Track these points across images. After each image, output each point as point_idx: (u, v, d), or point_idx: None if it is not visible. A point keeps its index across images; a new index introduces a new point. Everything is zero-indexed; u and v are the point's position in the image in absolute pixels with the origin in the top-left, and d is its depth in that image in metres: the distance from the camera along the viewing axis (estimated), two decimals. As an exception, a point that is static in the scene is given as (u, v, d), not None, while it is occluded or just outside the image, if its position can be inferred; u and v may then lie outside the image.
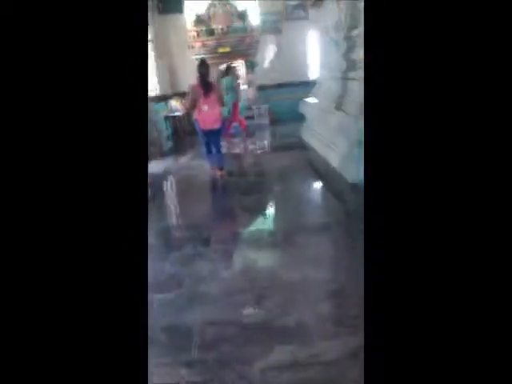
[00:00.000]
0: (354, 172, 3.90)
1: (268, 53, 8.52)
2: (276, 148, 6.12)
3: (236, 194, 4.17)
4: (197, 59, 7.85)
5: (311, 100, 6.16)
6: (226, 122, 5.59)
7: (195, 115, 4.23)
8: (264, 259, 2.62)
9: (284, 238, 2.89)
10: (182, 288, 2.33)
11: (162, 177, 4.93)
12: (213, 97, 4.12)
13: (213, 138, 4.35)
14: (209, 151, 4.51)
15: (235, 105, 6.57)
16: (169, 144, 6.45)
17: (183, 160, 5.68)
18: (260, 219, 3.45)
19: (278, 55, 8.48)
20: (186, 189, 4.48)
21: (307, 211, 3.49)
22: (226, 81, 6.49)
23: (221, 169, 4.53)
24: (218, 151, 4.50)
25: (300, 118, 6.91)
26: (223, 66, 7.08)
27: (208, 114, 4.13)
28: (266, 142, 6.45)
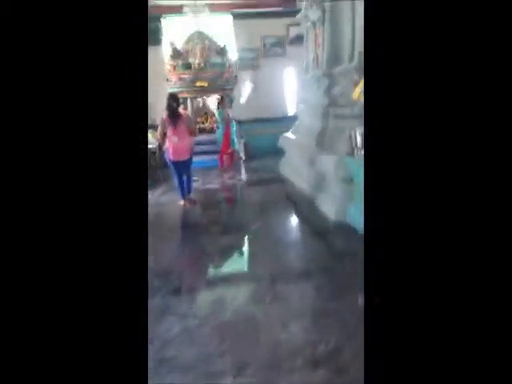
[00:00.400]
0: (339, 210, 3.70)
1: (245, 88, 8.52)
2: (253, 182, 5.89)
3: (210, 232, 3.85)
4: (171, 92, 7.81)
5: (290, 135, 6.06)
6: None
7: (165, 147, 4.34)
8: (243, 313, 2.30)
9: (264, 286, 2.58)
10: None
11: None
12: (182, 128, 4.23)
13: (183, 168, 4.42)
14: (180, 182, 4.52)
15: (226, 137, 6.59)
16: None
17: (154, 195, 5.33)
18: (237, 263, 3.15)
19: (255, 91, 8.49)
20: (154, 229, 4.09)
21: (287, 253, 3.21)
22: (218, 113, 6.50)
23: (190, 200, 4.62)
24: (189, 182, 4.58)
25: (278, 152, 6.82)
26: (217, 98, 7.10)
27: (178, 146, 4.23)
28: (242, 177, 6.23)
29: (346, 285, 2.53)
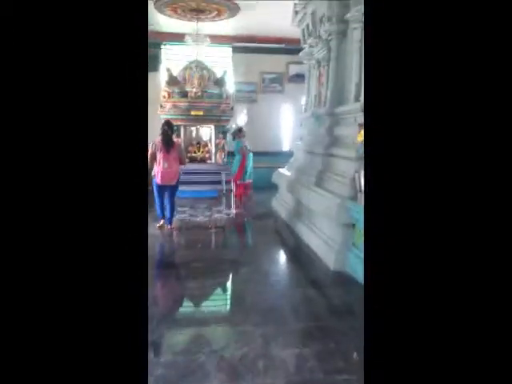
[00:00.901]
0: (338, 259, 3.40)
1: (241, 121, 8.39)
2: (243, 218, 5.58)
3: (195, 276, 3.45)
4: (165, 119, 7.61)
5: (285, 171, 5.84)
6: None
7: (154, 171, 4.44)
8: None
9: (256, 352, 2.20)
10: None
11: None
12: (173, 155, 4.40)
13: (168, 193, 4.53)
14: (160, 206, 4.59)
15: (241, 168, 6.65)
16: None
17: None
18: (223, 314, 2.77)
19: (251, 124, 8.36)
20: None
21: (280, 307, 2.83)
22: (235, 144, 6.58)
23: (170, 223, 4.65)
24: (171, 207, 4.62)
25: (270, 187, 6.58)
26: (235, 128, 7.01)
27: (167, 171, 4.37)
28: (232, 211, 5.90)
29: (347, 350, 2.18)
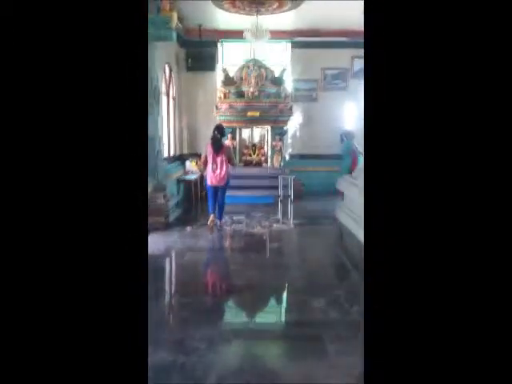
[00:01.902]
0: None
1: (300, 121, 7.83)
2: (302, 226, 5.01)
3: (248, 289, 2.97)
4: (220, 120, 7.28)
5: (352, 178, 5.18)
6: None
7: (205, 172, 4.89)
8: None
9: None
10: None
11: (161, 259, 3.81)
12: (221, 158, 4.60)
13: (218, 192, 4.73)
14: (213, 204, 4.76)
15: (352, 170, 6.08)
16: (176, 213, 5.41)
17: (188, 233, 4.61)
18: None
19: (310, 125, 7.77)
20: (187, 277, 3.30)
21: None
22: (345, 145, 6.18)
23: (220, 219, 4.81)
24: (221, 206, 4.81)
25: (332, 193, 5.98)
26: (344, 131, 6.63)
27: (215, 173, 4.62)
28: (290, 221, 5.38)
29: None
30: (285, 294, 3.05)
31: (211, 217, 4.69)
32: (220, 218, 4.83)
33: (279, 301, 2.97)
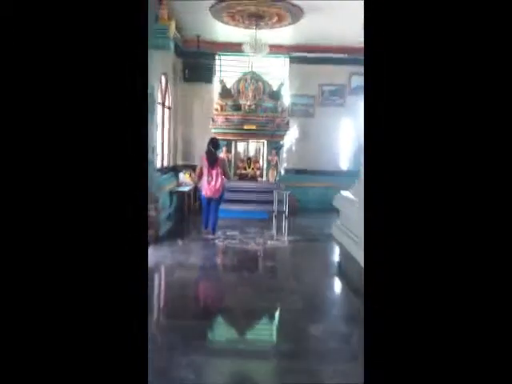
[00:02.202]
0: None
1: (297, 136, 7.75)
2: (298, 244, 4.85)
3: (240, 314, 2.79)
4: (216, 133, 7.16)
5: (349, 195, 5.06)
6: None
7: (200, 183, 4.96)
8: None
9: None
10: None
11: (149, 276, 3.59)
12: (216, 171, 4.70)
13: (212, 204, 4.84)
14: (206, 215, 4.90)
15: None
16: (167, 226, 5.22)
17: (180, 247, 4.42)
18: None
19: (306, 140, 7.69)
20: (175, 298, 3.09)
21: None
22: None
23: (213, 232, 4.87)
24: (214, 219, 4.89)
25: (325, 210, 5.86)
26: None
27: (210, 185, 4.72)
28: (285, 238, 5.22)
29: None
30: (279, 320, 2.84)
31: (203, 231, 4.80)
32: (213, 230, 4.87)
33: (272, 328, 2.76)
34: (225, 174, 4.80)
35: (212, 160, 4.69)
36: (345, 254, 4.35)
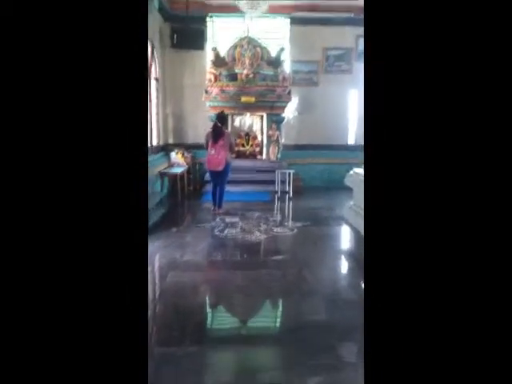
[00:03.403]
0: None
1: (299, 108, 7.04)
2: (307, 230, 4.28)
3: (246, 338, 2.23)
4: (210, 106, 6.47)
5: (362, 171, 4.46)
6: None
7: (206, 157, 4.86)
8: None
9: None
10: None
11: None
12: (220, 143, 4.65)
13: (217, 178, 4.87)
14: (214, 189, 4.93)
15: None
16: (159, 213, 4.61)
17: (173, 240, 3.81)
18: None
19: (310, 112, 6.99)
20: (167, 315, 2.50)
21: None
22: None
23: (219, 207, 4.90)
24: (221, 193, 4.90)
25: (336, 189, 5.44)
26: None
27: (213, 158, 4.70)
28: (292, 223, 4.64)
29: None
30: (298, 344, 2.10)
31: (213, 208, 4.90)
32: (219, 205, 4.87)
33: (288, 358, 1.98)
34: (230, 147, 4.75)
35: (215, 134, 4.66)
36: (361, 238, 3.78)
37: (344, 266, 3.47)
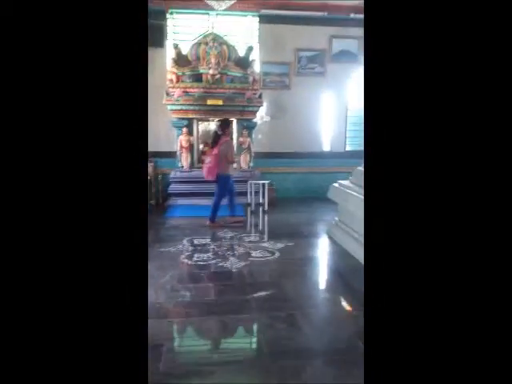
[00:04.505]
0: None
1: (269, 113, 6.51)
2: (291, 252, 3.64)
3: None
4: (172, 110, 5.78)
5: (349, 184, 3.99)
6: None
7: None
8: None
9: None
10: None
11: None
12: (215, 152, 4.51)
13: (216, 189, 4.69)
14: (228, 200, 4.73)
15: None
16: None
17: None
18: None
19: (281, 117, 6.48)
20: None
21: None
22: None
23: (210, 220, 4.60)
24: (214, 202, 4.65)
25: (312, 200, 5.21)
26: None
27: (206, 166, 4.59)
28: (272, 244, 4.04)
29: None
30: None
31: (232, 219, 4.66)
32: (211, 218, 4.60)
33: None
34: (226, 156, 4.50)
35: (213, 141, 4.64)
36: (355, 265, 3.23)
37: (344, 307, 2.76)
